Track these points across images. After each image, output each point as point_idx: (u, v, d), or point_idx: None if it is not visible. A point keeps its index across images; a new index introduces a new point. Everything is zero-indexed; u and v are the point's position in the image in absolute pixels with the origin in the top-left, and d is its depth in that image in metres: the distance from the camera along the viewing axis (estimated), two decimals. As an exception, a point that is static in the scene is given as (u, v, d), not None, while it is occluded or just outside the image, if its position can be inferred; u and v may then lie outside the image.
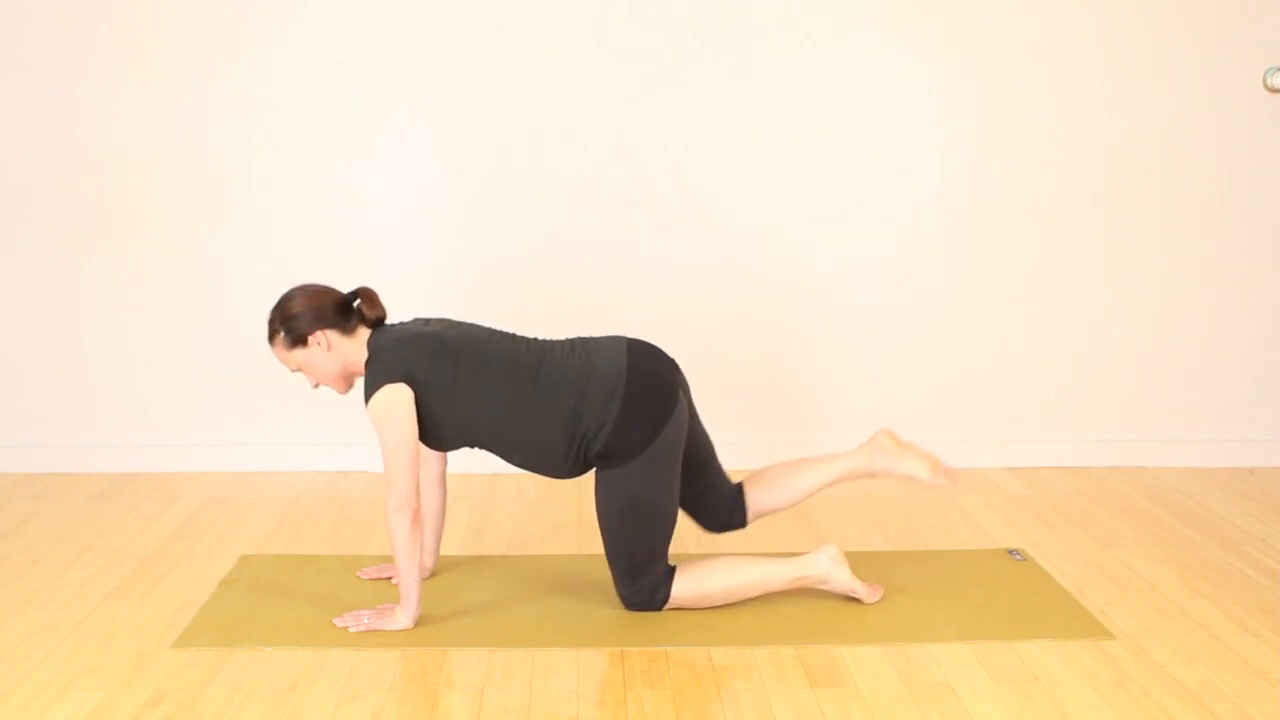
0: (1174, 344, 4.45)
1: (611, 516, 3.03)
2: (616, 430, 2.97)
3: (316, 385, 3.12)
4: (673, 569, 3.09)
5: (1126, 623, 3.05)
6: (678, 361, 3.16)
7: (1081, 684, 2.72)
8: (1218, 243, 4.40)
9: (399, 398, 2.94)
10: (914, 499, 4.07)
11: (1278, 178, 4.38)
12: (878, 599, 3.16)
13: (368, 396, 2.95)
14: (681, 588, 3.07)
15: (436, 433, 3.02)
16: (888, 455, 3.23)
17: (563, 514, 3.92)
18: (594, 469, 3.05)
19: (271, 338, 3.06)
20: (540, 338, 3.15)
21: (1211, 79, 4.31)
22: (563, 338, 3.17)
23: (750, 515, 3.26)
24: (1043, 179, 4.35)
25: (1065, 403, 4.46)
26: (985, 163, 4.34)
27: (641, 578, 3.06)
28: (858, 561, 3.34)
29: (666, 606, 3.09)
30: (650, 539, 3.04)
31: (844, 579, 3.13)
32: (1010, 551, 3.54)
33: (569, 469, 3.06)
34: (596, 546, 3.45)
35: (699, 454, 3.20)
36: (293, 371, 3.11)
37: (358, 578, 3.34)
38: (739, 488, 3.27)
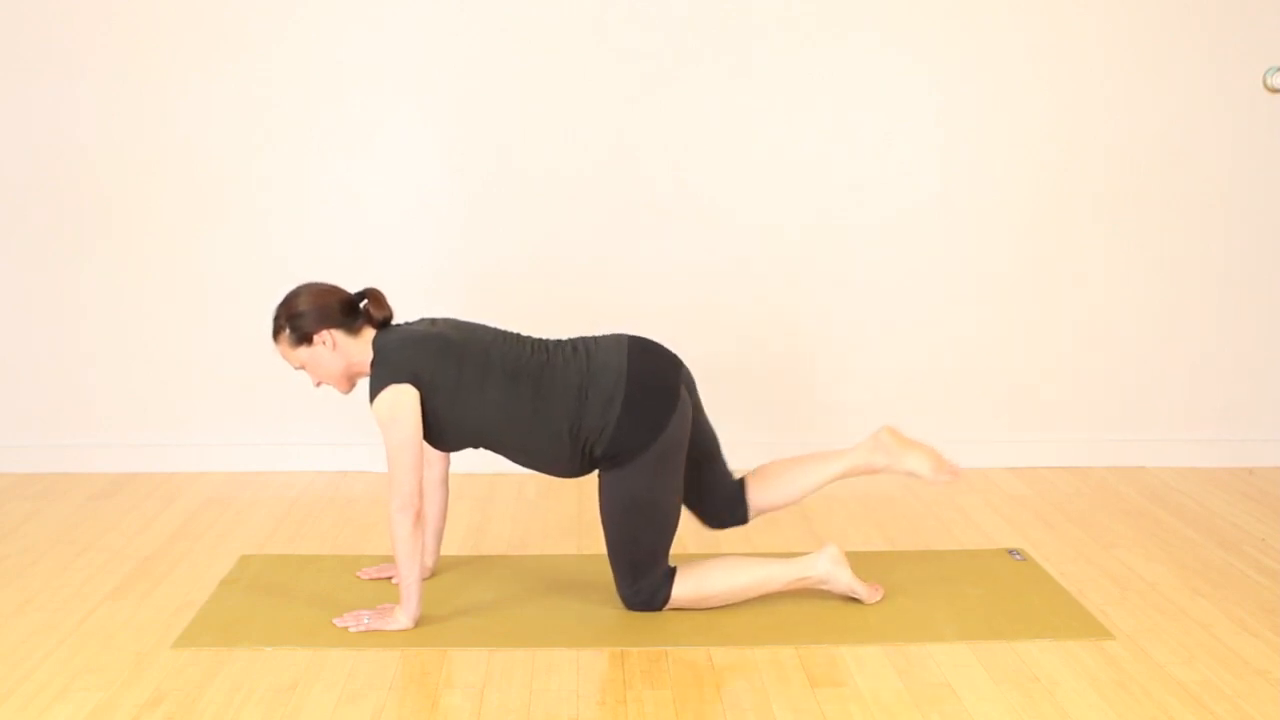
0: (1174, 344, 4.45)
1: (613, 516, 3.03)
2: (618, 433, 2.97)
3: (319, 384, 3.11)
4: (673, 570, 3.09)
5: (1126, 623, 3.05)
6: (680, 358, 3.15)
7: (1081, 684, 2.72)
8: (1218, 242, 4.40)
9: (404, 398, 2.94)
10: (914, 499, 4.07)
11: (1278, 178, 4.38)
12: (878, 599, 3.16)
13: (373, 396, 2.95)
14: (682, 589, 3.07)
15: (441, 433, 3.02)
16: (889, 452, 3.22)
17: (563, 514, 3.92)
18: (598, 469, 3.06)
19: (276, 335, 3.05)
20: (544, 338, 3.16)
21: (1211, 79, 4.31)
22: (566, 338, 3.17)
23: (752, 512, 3.26)
24: (1043, 179, 4.36)
25: (1065, 403, 4.46)
26: (985, 163, 4.34)
27: (642, 578, 3.06)
28: (858, 561, 3.33)
29: (667, 607, 3.09)
30: (651, 539, 3.04)
31: (845, 580, 3.13)
32: (1010, 551, 3.54)
33: (573, 470, 3.07)
34: (597, 547, 3.45)
35: (703, 449, 3.20)
36: (295, 370, 3.10)
37: (358, 578, 3.34)
38: (741, 484, 3.26)
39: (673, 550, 3.22)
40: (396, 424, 2.93)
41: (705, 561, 3.14)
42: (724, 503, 3.25)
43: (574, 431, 2.99)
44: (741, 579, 3.10)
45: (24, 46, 4.21)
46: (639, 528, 3.02)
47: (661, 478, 3.02)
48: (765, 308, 4.37)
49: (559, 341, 3.12)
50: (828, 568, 3.12)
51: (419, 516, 2.95)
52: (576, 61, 4.25)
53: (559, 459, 3.04)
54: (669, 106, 4.28)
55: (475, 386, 2.98)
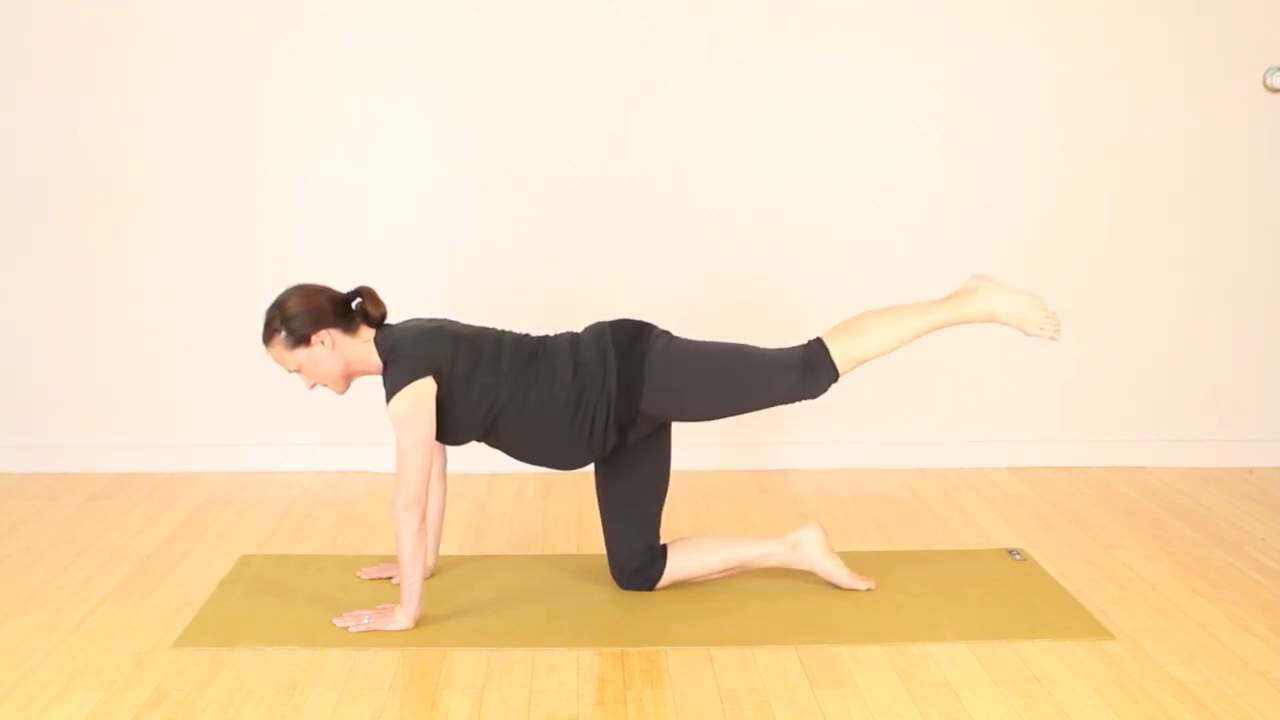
0: (1174, 344, 4.45)
1: (700, 386, 3.04)
2: (618, 351, 3.03)
3: (313, 386, 3.11)
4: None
5: (1126, 623, 3.05)
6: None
7: (1081, 684, 2.72)
8: (1217, 243, 4.40)
9: (424, 393, 2.95)
10: (914, 499, 4.07)
11: (1277, 178, 4.38)
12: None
13: (392, 393, 2.95)
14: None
15: (454, 422, 3.03)
16: (810, 558, 3.23)
17: (562, 513, 3.92)
18: (618, 438, 3.07)
19: (270, 338, 3.04)
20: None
21: (1211, 79, 4.31)
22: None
23: (663, 582, 3.21)
24: (1043, 180, 4.36)
25: (1065, 403, 4.46)
26: (985, 163, 4.34)
27: (784, 371, 3.01)
28: (858, 561, 3.34)
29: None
30: (742, 360, 3.06)
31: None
32: (1010, 551, 3.54)
33: (580, 435, 3.05)
34: (597, 546, 3.46)
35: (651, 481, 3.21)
36: (290, 372, 3.10)
37: (358, 578, 3.34)
38: (662, 549, 3.23)
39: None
40: (416, 421, 2.94)
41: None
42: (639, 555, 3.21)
43: (580, 381, 3.02)
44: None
45: (25, 48, 4.21)
46: (725, 367, 3.05)
47: (681, 344, 3.08)
48: (765, 307, 4.36)
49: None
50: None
51: (424, 516, 2.96)
52: (576, 61, 4.25)
53: (565, 414, 3.02)
54: (669, 106, 4.28)
55: (490, 370, 3.01)
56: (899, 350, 4.38)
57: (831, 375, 3.02)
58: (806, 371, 3.02)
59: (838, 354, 3.02)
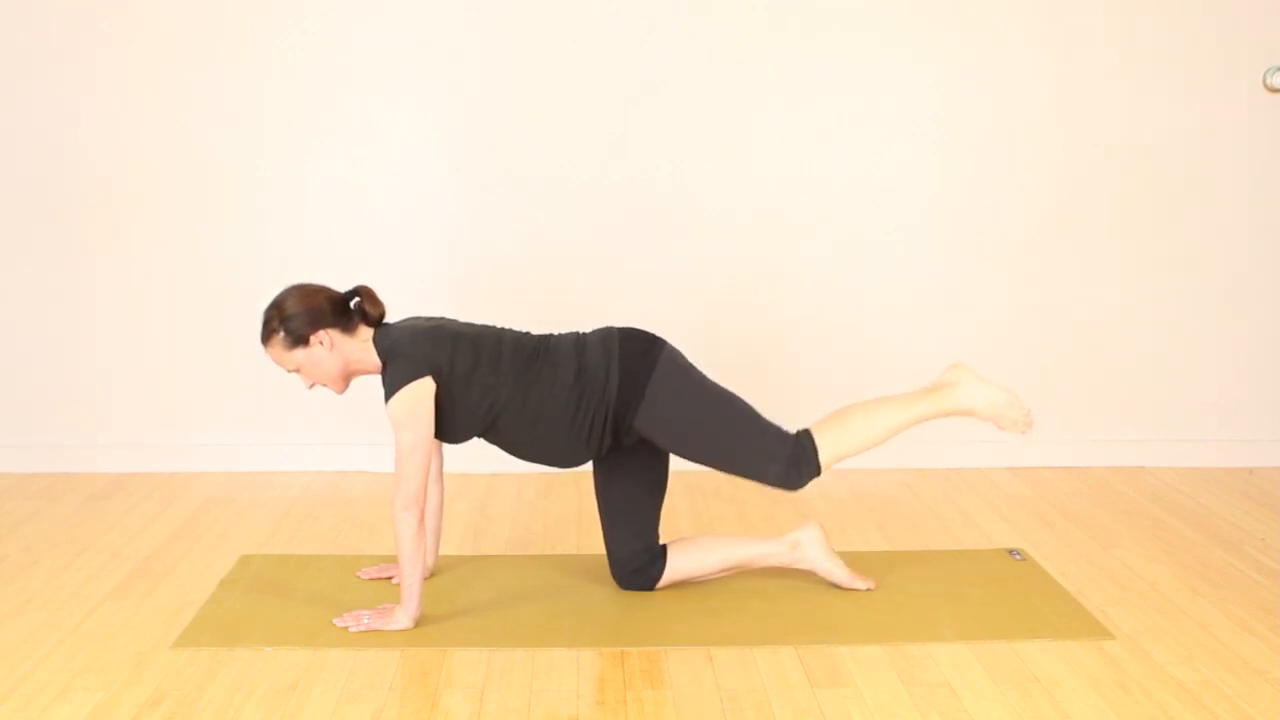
0: (1174, 344, 4.45)
1: (690, 435, 3.05)
2: (623, 362, 3.02)
3: (312, 386, 3.11)
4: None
5: (1126, 623, 3.05)
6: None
7: (1081, 684, 2.72)
8: (1217, 243, 4.40)
9: (423, 393, 2.95)
10: (914, 499, 4.07)
11: (1277, 178, 4.38)
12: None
13: (391, 393, 2.95)
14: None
15: (453, 421, 3.03)
16: (810, 558, 3.24)
17: (562, 513, 3.92)
18: (613, 440, 3.07)
19: (268, 338, 3.04)
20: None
21: (1211, 79, 4.31)
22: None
23: (663, 582, 3.22)
24: (1043, 180, 4.36)
25: (1065, 403, 4.46)
26: (985, 163, 4.34)
27: (773, 459, 3.03)
28: (858, 561, 3.34)
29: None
30: (737, 418, 3.07)
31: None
32: (1010, 551, 3.54)
33: (579, 436, 3.05)
34: (597, 546, 3.46)
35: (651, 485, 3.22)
36: (289, 372, 3.09)
37: (358, 578, 3.34)
38: (662, 549, 3.24)
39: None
40: (415, 421, 2.94)
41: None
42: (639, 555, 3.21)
43: (581, 383, 3.01)
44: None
45: (25, 48, 4.21)
46: (721, 413, 3.05)
47: (690, 376, 3.08)
48: (765, 308, 4.37)
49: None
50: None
51: (423, 515, 2.96)
52: (577, 61, 4.25)
53: (564, 422, 3.02)
54: (669, 106, 4.28)
55: (490, 369, 3.01)
56: (899, 352, 4.43)
57: (814, 473, 3.06)
58: (791, 467, 3.04)
59: (824, 451, 3.05)
